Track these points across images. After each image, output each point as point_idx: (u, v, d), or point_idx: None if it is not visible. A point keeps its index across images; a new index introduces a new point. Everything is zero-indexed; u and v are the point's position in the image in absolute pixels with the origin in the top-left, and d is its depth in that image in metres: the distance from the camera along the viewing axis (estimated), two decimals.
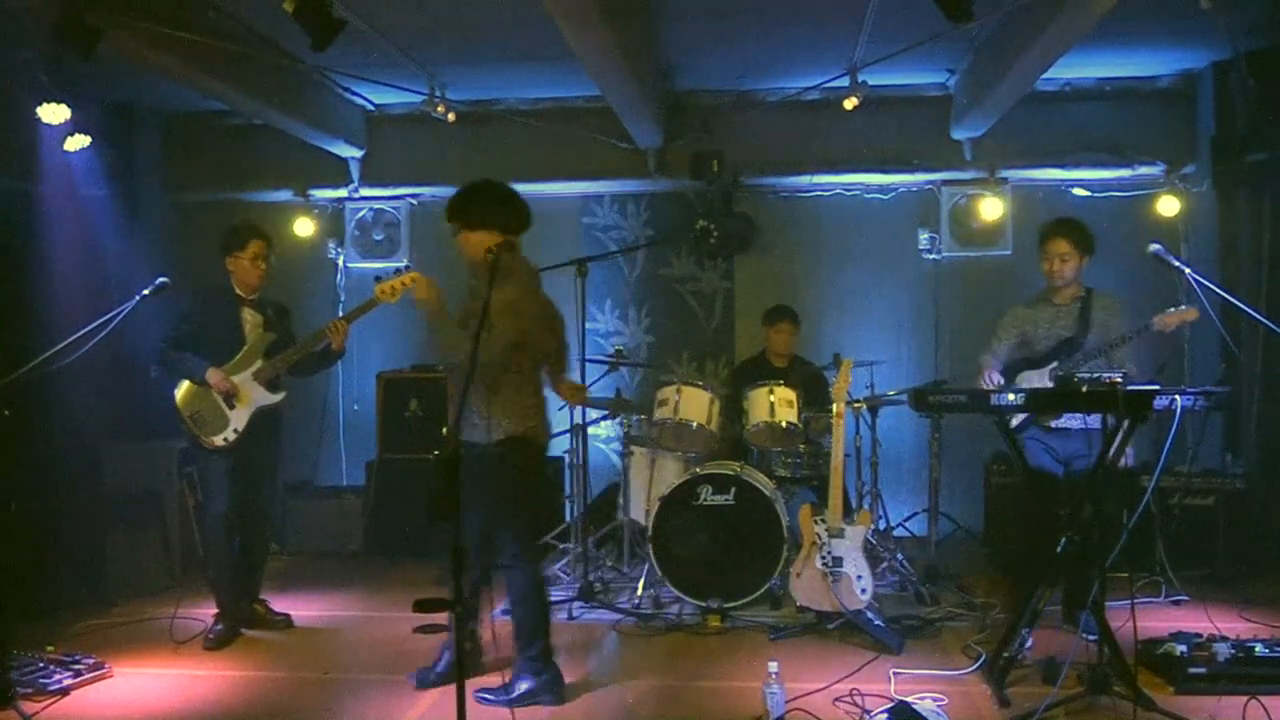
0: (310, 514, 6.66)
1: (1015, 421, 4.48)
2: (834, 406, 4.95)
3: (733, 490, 5.19)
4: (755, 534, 5.12)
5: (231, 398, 4.66)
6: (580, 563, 5.45)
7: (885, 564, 5.54)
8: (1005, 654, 3.93)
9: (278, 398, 4.82)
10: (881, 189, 7.17)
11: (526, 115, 7.03)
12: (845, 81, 6.00)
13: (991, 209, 6.81)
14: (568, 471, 6.24)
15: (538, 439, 3.93)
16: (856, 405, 5.78)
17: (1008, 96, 5.93)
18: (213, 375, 4.61)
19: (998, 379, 4.60)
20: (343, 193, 7.50)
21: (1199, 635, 4.08)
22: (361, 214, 7.46)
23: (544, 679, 3.85)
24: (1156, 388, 3.56)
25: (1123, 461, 4.10)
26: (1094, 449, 4.00)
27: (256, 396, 4.72)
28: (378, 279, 4.71)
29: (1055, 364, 4.45)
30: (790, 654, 4.38)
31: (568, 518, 6.31)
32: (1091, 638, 3.75)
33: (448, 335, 3.76)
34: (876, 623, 4.60)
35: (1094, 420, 4.26)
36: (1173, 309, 4.33)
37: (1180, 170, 6.78)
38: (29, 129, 5.04)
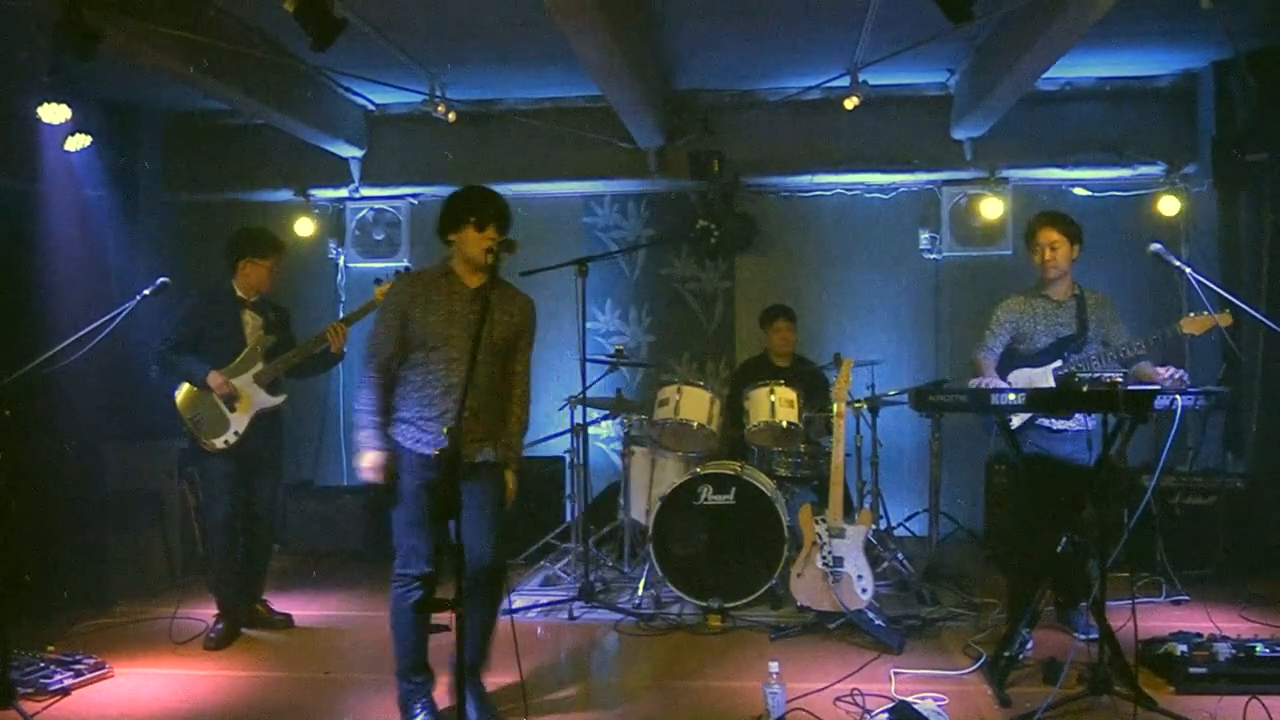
0: (310, 514, 6.65)
1: (1012, 425, 4.45)
2: (835, 406, 4.96)
3: (733, 490, 5.19)
4: (756, 534, 5.12)
5: (232, 400, 4.66)
6: (581, 563, 5.46)
7: (886, 564, 5.54)
8: (1006, 654, 3.94)
9: (278, 400, 4.82)
10: (882, 189, 7.17)
11: (526, 115, 7.03)
12: (846, 81, 6.00)
13: (992, 209, 6.81)
14: (568, 471, 6.25)
15: None
16: (857, 405, 5.78)
17: (1008, 96, 5.93)
18: (214, 378, 4.61)
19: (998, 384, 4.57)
20: (343, 193, 7.50)
21: (1199, 635, 4.08)
22: (362, 214, 7.46)
23: None
24: (1156, 388, 3.56)
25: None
26: (1094, 451, 3.99)
27: (257, 399, 4.72)
28: (377, 280, 4.74)
29: (1058, 363, 4.43)
30: (791, 654, 4.38)
31: (568, 518, 6.31)
32: (1083, 637, 3.74)
33: None
34: (877, 622, 4.60)
35: (1093, 421, 4.25)
36: (1206, 312, 4.17)
37: (1180, 170, 6.78)
38: (29, 129, 5.04)
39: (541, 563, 6.00)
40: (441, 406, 3.58)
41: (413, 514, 3.58)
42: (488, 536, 3.60)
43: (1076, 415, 4.42)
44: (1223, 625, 4.50)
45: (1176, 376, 4.12)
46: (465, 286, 3.64)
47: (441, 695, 3.74)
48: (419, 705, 3.63)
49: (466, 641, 3.63)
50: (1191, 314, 4.28)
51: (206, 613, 4.92)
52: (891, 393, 5.89)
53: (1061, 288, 4.53)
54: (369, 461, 3.61)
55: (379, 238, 7.45)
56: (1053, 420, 4.44)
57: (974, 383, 4.49)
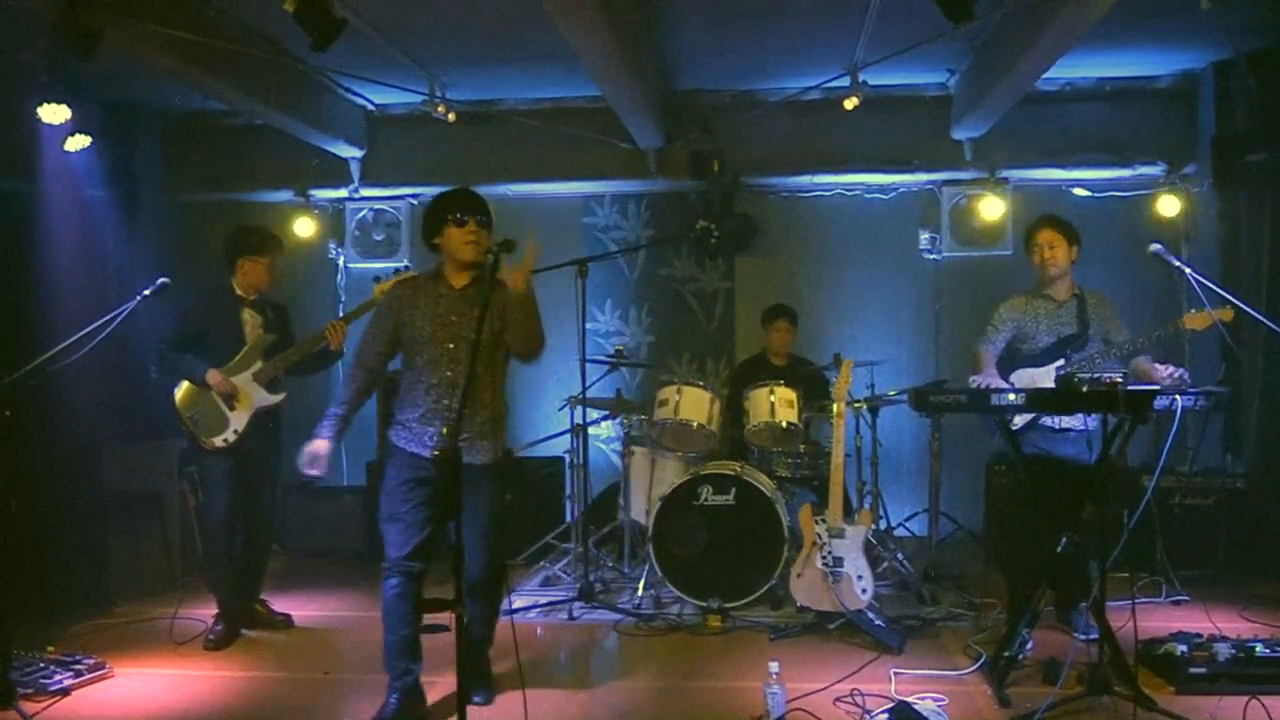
0: (310, 514, 6.65)
1: (1014, 426, 4.45)
2: (834, 406, 4.96)
3: (733, 490, 5.19)
4: (756, 534, 5.12)
5: (231, 398, 4.67)
6: (580, 563, 5.46)
7: (886, 564, 5.54)
8: (1006, 654, 3.94)
9: (278, 398, 4.82)
10: (882, 189, 7.17)
11: (526, 115, 7.03)
12: (846, 81, 6.00)
13: (992, 209, 6.80)
14: (568, 471, 6.25)
15: None
16: (857, 405, 5.78)
17: (1008, 96, 5.93)
18: (213, 376, 4.61)
19: (999, 384, 4.58)
20: (343, 193, 7.50)
21: (1199, 635, 4.08)
22: (362, 214, 7.46)
23: None
24: (1156, 388, 3.56)
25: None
26: (1094, 451, 4.00)
27: (257, 397, 4.72)
28: (377, 279, 4.74)
29: (1060, 362, 4.44)
30: (791, 654, 4.38)
31: (568, 518, 6.31)
32: (1083, 637, 3.74)
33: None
34: (877, 623, 4.60)
35: (1094, 422, 4.26)
36: (1208, 308, 4.18)
37: (1180, 170, 6.77)
38: (29, 129, 5.03)
39: (541, 563, 6.00)
40: (424, 407, 3.66)
41: (394, 507, 3.66)
42: (480, 547, 3.66)
43: (1078, 415, 4.43)
44: (1223, 625, 4.50)
45: (1176, 375, 4.12)
46: (451, 289, 3.69)
47: (444, 691, 3.75)
48: (393, 695, 3.66)
49: (472, 622, 3.71)
50: (1193, 310, 4.29)
51: (206, 613, 4.92)
52: (891, 393, 5.89)
53: (1062, 287, 4.56)
54: (309, 448, 3.69)
55: (379, 238, 7.45)
56: (1057, 420, 4.45)
57: (974, 381, 4.50)
